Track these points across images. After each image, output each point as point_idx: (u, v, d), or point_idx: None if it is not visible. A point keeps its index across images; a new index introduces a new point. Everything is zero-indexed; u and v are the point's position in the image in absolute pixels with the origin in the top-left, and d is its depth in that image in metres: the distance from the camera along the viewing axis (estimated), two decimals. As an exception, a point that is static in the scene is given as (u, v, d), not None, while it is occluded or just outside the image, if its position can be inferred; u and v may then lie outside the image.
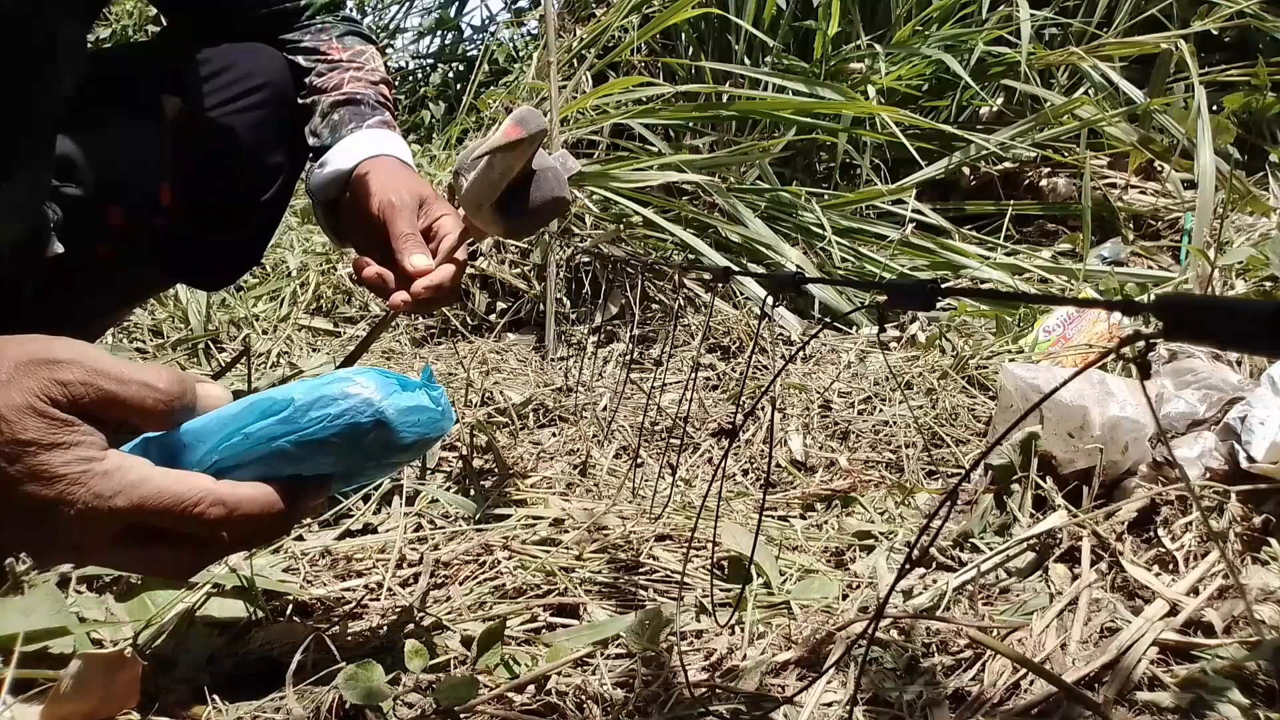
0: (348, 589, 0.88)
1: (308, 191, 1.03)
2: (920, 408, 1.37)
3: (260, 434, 0.54)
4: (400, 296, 0.86)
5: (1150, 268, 2.04)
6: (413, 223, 0.89)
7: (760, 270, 1.91)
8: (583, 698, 0.71)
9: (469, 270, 2.02)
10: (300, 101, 1.08)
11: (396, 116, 1.12)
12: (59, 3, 0.79)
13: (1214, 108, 2.15)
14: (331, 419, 0.55)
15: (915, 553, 0.88)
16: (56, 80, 0.81)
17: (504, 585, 0.88)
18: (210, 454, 0.54)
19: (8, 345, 0.50)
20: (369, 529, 1.02)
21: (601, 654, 0.76)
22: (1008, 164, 2.38)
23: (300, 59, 1.08)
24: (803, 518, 1.09)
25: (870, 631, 0.70)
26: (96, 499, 0.49)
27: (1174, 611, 0.74)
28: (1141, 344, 0.31)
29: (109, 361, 0.52)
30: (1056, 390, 0.42)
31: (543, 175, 0.86)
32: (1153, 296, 0.30)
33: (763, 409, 1.34)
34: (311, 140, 1.05)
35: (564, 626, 0.82)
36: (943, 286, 0.44)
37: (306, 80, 1.08)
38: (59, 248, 0.89)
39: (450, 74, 3.57)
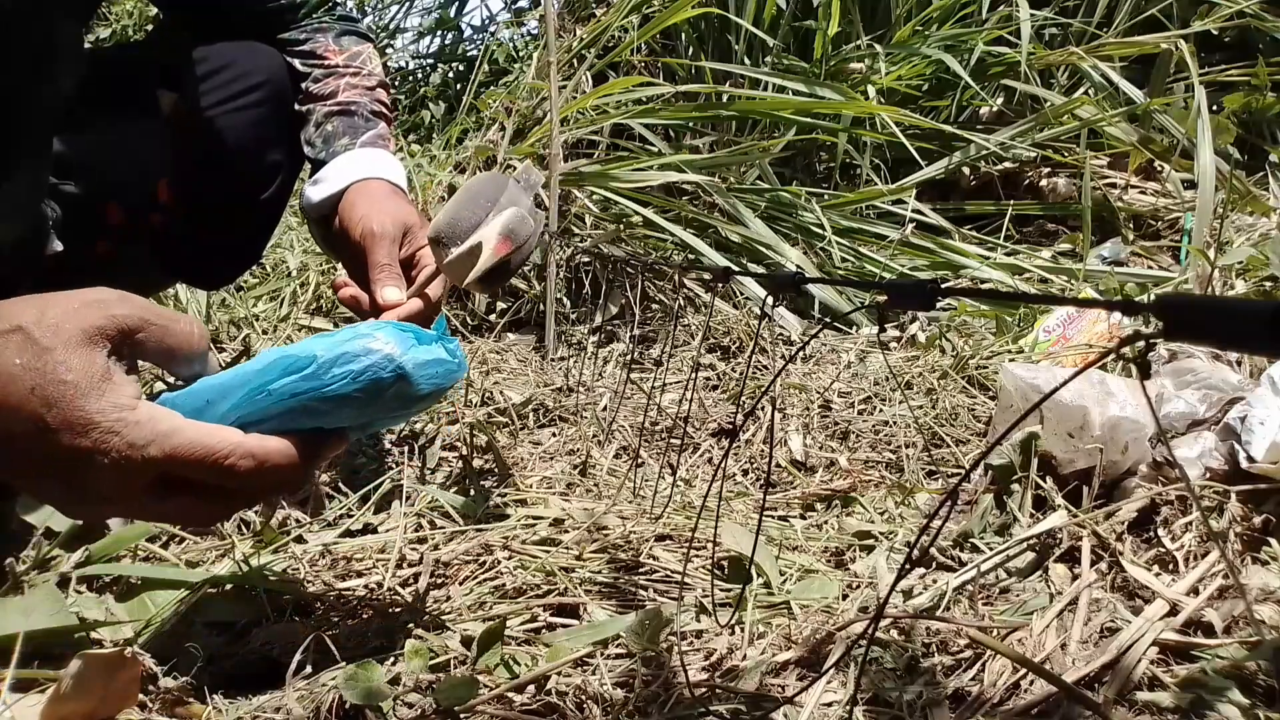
0: (348, 589, 0.88)
1: (300, 208, 1.04)
2: (920, 408, 1.37)
3: (283, 390, 0.56)
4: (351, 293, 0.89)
5: (1150, 268, 2.04)
6: (391, 254, 0.89)
7: (760, 270, 1.91)
8: (583, 698, 0.71)
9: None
10: (296, 109, 1.08)
11: (394, 119, 1.12)
12: (58, 2, 0.79)
13: (1214, 108, 2.15)
14: (354, 375, 0.57)
15: (915, 553, 0.88)
16: (56, 80, 0.82)
17: (504, 585, 0.88)
18: (233, 410, 0.56)
19: (60, 295, 0.53)
20: (369, 529, 1.02)
21: (601, 654, 0.76)
22: (1008, 164, 2.38)
23: (297, 63, 1.08)
24: (803, 518, 1.09)
25: (870, 632, 0.70)
26: (130, 448, 0.51)
27: (1174, 611, 0.74)
28: (1141, 344, 0.31)
29: (156, 305, 0.55)
30: (1056, 390, 0.42)
31: (527, 246, 0.87)
32: (1153, 296, 0.30)
33: (763, 409, 1.34)
34: (306, 150, 1.06)
35: (564, 626, 0.82)
36: (943, 286, 0.44)
37: (303, 86, 1.07)
38: (58, 246, 0.89)
39: (450, 74, 3.57)
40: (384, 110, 1.08)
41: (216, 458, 0.53)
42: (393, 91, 1.14)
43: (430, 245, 0.86)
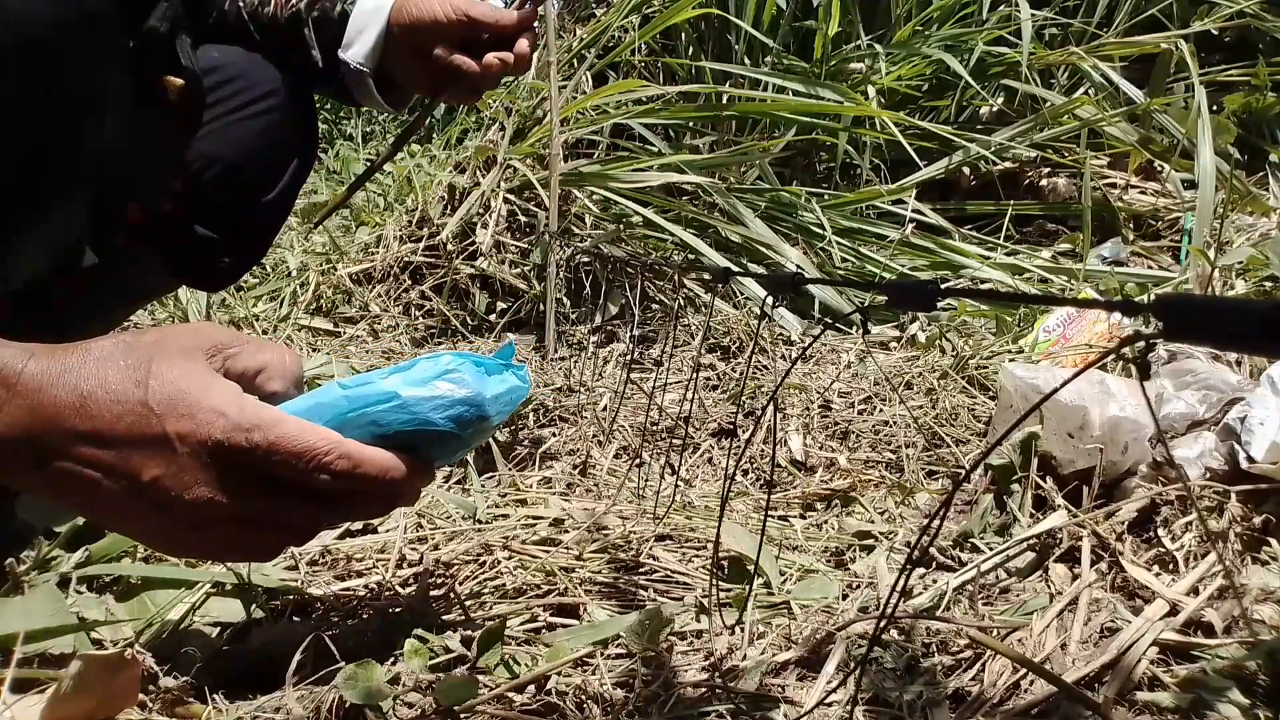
0: (348, 589, 0.88)
1: (345, 88, 1.07)
2: (920, 408, 1.36)
3: (371, 417, 0.57)
4: (495, 56, 0.97)
5: (1150, 268, 2.04)
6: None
7: (760, 270, 1.91)
8: (583, 698, 0.71)
9: (469, 270, 2.02)
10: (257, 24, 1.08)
11: None
12: (105, 50, 0.79)
13: (1214, 108, 2.15)
14: (439, 414, 0.57)
15: (916, 553, 0.88)
16: (101, 127, 0.81)
17: (504, 585, 0.88)
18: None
19: (153, 329, 0.55)
20: (369, 529, 1.02)
21: (601, 654, 0.76)
22: (1008, 164, 2.38)
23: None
24: (803, 518, 1.09)
25: (875, 634, 0.70)
26: (235, 429, 0.51)
27: (1174, 611, 0.74)
28: (1141, 344, 0.31)
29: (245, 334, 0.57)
30: (1057, 390, 0.42)
31: None
32: (1152, 297, 0.30)
33: (762, 409, 1.34)
34: (314, 54, 1.07)
35: (564, 626, 0.82)
36: (942, 287, 0.44)
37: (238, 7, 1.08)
38: (94, 259, 0.90)
39: (450, 74, 3.57)
40: None
41: (316, 453, 0.52)
42: None
43: None
